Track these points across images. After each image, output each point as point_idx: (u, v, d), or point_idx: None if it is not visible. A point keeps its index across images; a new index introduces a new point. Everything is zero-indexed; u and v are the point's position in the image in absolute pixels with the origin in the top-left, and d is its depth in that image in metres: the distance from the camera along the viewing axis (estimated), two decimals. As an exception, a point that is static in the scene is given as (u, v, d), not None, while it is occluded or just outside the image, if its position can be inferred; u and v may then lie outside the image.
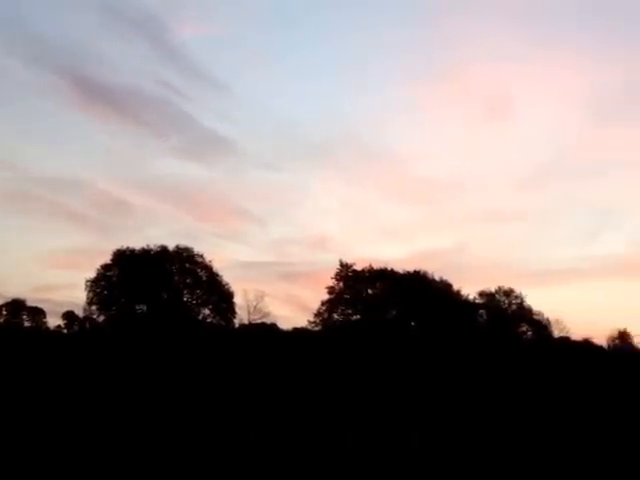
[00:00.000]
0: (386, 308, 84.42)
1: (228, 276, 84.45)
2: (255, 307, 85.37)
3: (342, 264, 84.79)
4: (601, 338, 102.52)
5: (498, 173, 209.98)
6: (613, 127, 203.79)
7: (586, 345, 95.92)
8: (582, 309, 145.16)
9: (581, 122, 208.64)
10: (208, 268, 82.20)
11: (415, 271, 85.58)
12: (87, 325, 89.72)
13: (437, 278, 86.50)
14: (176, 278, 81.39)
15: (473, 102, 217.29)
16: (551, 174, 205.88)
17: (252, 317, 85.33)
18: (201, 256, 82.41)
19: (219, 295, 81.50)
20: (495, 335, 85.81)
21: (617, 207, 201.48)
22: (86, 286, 79.10)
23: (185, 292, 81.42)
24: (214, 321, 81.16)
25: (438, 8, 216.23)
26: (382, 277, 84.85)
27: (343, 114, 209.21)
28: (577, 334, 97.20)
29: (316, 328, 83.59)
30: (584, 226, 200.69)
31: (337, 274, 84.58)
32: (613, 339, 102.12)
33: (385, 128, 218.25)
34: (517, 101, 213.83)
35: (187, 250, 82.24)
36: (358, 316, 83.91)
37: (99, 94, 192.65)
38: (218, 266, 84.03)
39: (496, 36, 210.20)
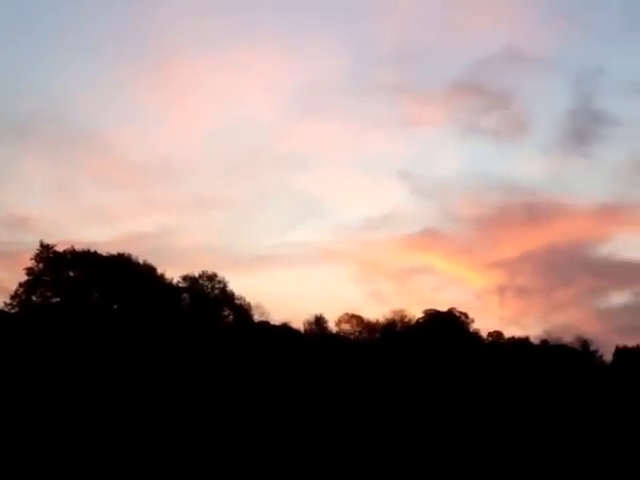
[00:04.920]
0: (88, 291, 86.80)
1: None
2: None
3: (42, 245, 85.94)
4: (299, 322, 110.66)
5: (205, 159, 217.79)
6: (314, 119, 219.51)
7: (284, 329, 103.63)
8: (282, 294, 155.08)
9: (285, 113, 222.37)
10: None
11: (119, 254, 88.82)
12: None
13: (141, 261, 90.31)
14: None
15: (182, 88, 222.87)
16: (256, 162, 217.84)
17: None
18: None
19: None
20: (197, 319, 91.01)
21: (317, 197, 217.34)
22: None
23: None
24: None
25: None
26: (84, 259, 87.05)
27: (50, 94, 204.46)
28: (276, 319, 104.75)
29: (13, 310, 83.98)
30: (286, 214, 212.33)
31: (37, 255, 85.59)
32: (310, 324, 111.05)
33: (94, 111, 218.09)
34: (226, 89, 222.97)
35: None
36: (58, 299, 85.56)
37: None
38: None
39: (207, 25, 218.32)
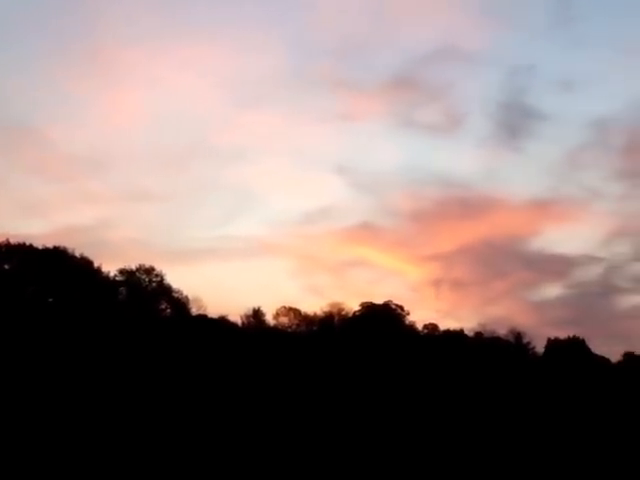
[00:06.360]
0: (23, 284, 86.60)
1: None
2: None
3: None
4: (236, 316, 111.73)
5: (142, 151, 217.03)
6: (252, 112, 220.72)
7: (222, 322, 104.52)
8: (220, 288, 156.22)
9: (223, 106, 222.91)
10: None
11: (54, 247, 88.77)
12: None
13: (77, 255, 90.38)
14: None
15: (118, 80, 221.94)
16: (194, 155, 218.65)
17: None
18: None
19: None
20: (134, 312, 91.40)
21: (255, 190, 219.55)
22: None
23: None
24: None
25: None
26: (19, 252, 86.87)
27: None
28: (214, 312, 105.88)
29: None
30: (224, 208, 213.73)
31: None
32: (247, 317, 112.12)
33: (27, 103, 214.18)
34: (163, 81, 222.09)
35: None
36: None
37: None
38: None
39: (142, 17, 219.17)
